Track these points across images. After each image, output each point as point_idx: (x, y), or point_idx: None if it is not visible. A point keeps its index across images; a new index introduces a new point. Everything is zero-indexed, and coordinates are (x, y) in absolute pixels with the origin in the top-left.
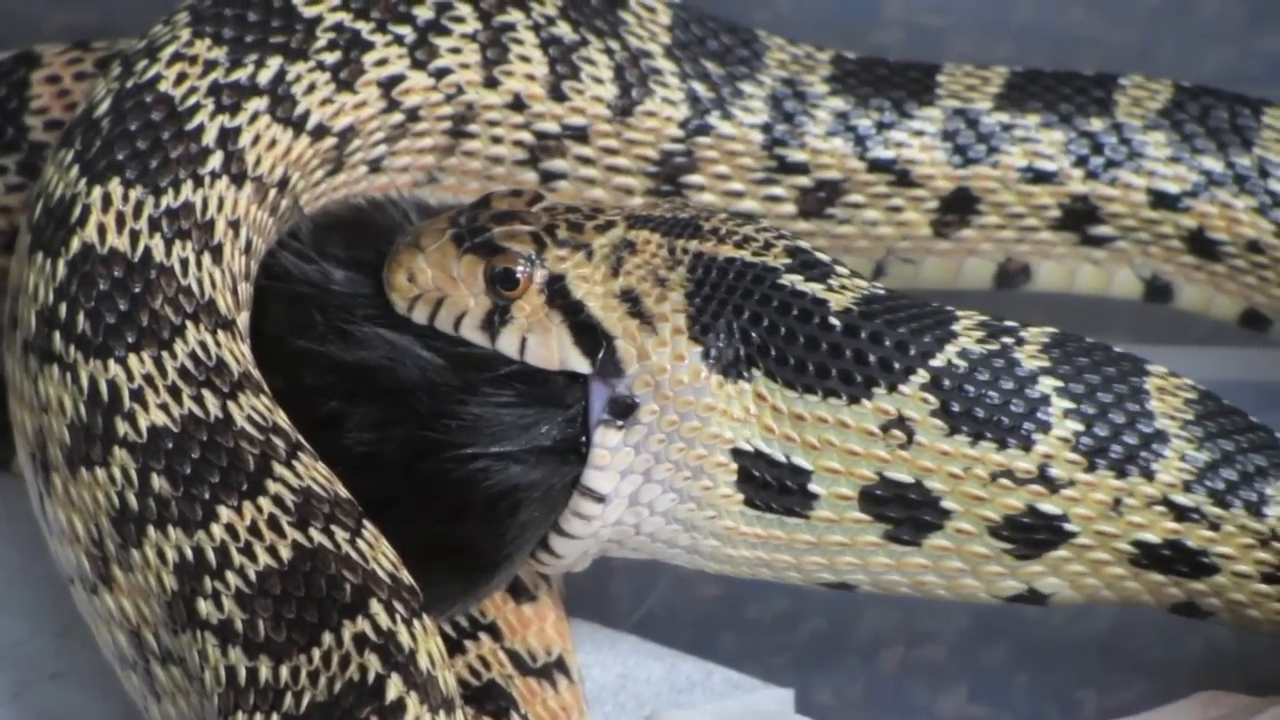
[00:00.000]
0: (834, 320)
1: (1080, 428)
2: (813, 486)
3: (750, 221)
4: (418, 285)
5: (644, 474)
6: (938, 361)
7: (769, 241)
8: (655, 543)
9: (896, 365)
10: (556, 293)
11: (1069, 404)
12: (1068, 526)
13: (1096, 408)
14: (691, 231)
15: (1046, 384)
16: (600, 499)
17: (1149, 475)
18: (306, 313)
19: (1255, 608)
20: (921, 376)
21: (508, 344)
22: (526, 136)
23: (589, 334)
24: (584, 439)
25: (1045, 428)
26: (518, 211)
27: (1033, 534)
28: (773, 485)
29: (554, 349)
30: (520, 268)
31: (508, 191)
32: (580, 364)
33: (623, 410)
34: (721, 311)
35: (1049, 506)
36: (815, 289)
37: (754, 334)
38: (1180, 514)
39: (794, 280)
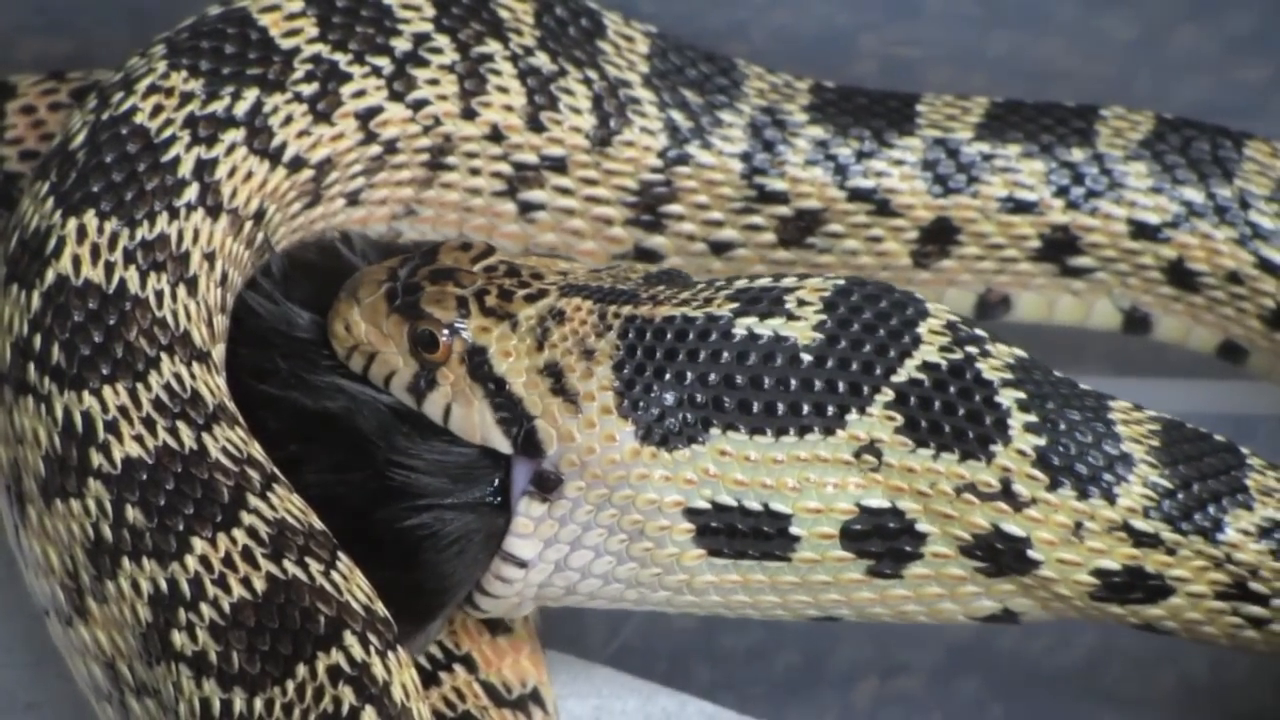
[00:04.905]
0: (804, 355)
1: (1042, 442)
2: (794, 530)
3: (689, 286)
4: (353, 337)
5: (571, 543)
6: (900, 377)
7: (708, 298)
8: (596, 600)
9: (865, 388)
10: (478, 365)
11: (1031, 418)
12: (1031, 553)
13: (1064, 424)
14: (626, 297)
15: (1008, 395)
16: (522, 564)
17: (1111, 499)
18: (270, 358)
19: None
20: (886, 395)
21: (432, 409)
22: (505, 168)
23: (510, 411)
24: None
25: (1006, 440)
26: (457, 270)
27: (1003, 557)
28: (745, 534)
29: (475, 423)
30: (443, 334)
31: (457, 244)
32: (501, 443)
33: (548, 485)
34: (657, 380)
35: (1014, 528)
36: (774, 325)
37: (701, 395)
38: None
39: (749, 324)
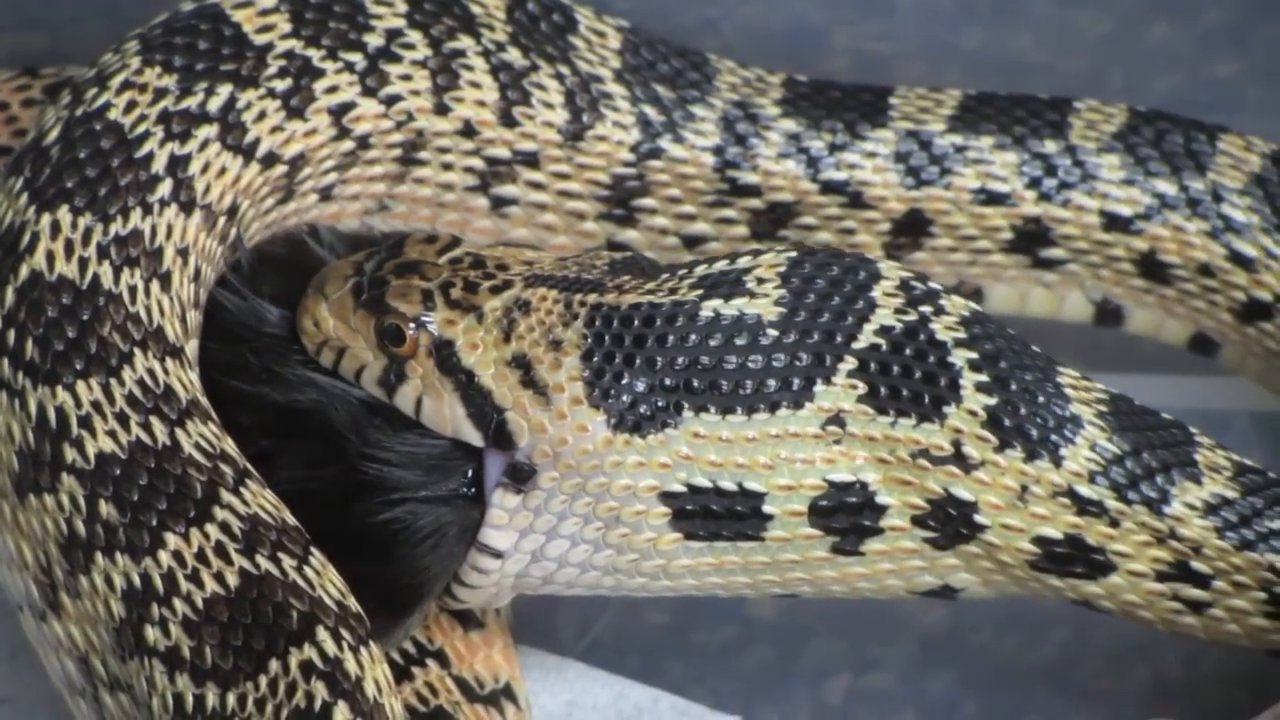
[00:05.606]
0: (770, 330)
1: (993, 402)
2: (767, 508)
3: (654, 274)
4: (322, 333)
5: (547, 533)
6: (860, 344)
7: (673, 287)
8: (574, 588)
9: (828, 358)
10: (447, 358)
11: (983, 377)
12: (978, 517)
13: (1015, 384)
14: (592, 286)
15: (960, 356)
16: (498, 555)
17: (1057, 461)
18: (240, 354)
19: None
20: (849, 363)
21: (403, 403)
22: (477, 163)
23: (481, 403)
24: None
25: (958, 400)
26: (422, 263)
27: (953, 524)
28: (720, 515)
29: (446, 416)
30: (409, 328)
31: (423, 237)
32: (472, 435)
33: (521, 476)
34: (627, 367)
35: (964, 492)
36: (739, 305)
37: (671, 379)
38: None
39: (715, 306)
